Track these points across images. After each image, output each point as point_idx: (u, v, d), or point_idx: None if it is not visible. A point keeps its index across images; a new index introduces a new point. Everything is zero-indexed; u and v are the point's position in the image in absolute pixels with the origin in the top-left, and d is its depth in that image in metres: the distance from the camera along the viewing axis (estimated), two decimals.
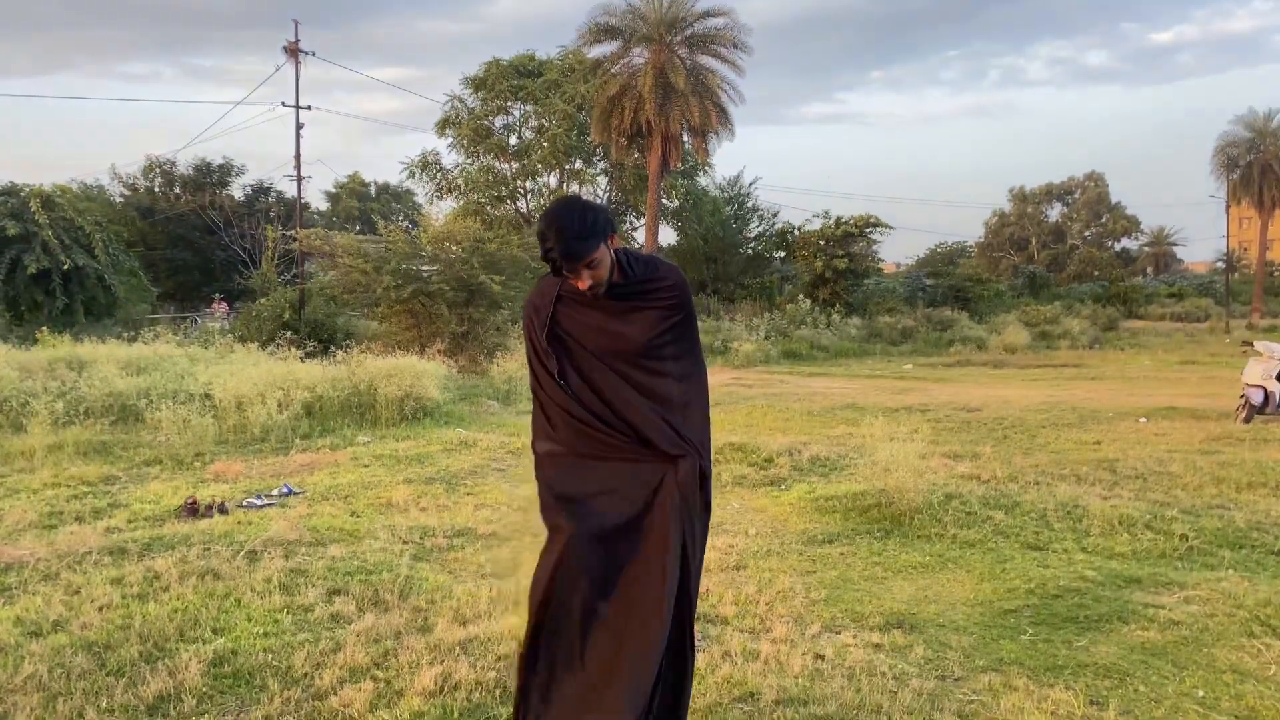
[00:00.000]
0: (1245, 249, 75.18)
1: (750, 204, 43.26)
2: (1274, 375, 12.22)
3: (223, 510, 6.79)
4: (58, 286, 25.29)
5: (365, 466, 8.73)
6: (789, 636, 4.20)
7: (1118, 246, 77.13)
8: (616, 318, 2.80)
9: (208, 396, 10.97)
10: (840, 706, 3.36)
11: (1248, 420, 11.88)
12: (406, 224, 43.09)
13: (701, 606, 4.68)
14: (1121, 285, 48.87)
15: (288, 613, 4.40)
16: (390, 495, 7.35)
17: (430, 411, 11.67)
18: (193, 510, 6.74)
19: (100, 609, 4.42)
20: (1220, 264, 62.84)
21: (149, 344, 15.37)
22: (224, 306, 29.41)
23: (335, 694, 3.47)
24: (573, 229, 2.63)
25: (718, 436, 10.30)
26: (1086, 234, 76.60)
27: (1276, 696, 3.51)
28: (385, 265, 20.32)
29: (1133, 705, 3.44)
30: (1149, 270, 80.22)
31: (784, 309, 30.75)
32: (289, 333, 19.10)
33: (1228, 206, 45.49)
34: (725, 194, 42.84)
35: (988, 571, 5.28)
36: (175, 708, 3.36)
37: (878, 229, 36.09)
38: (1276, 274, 67.70)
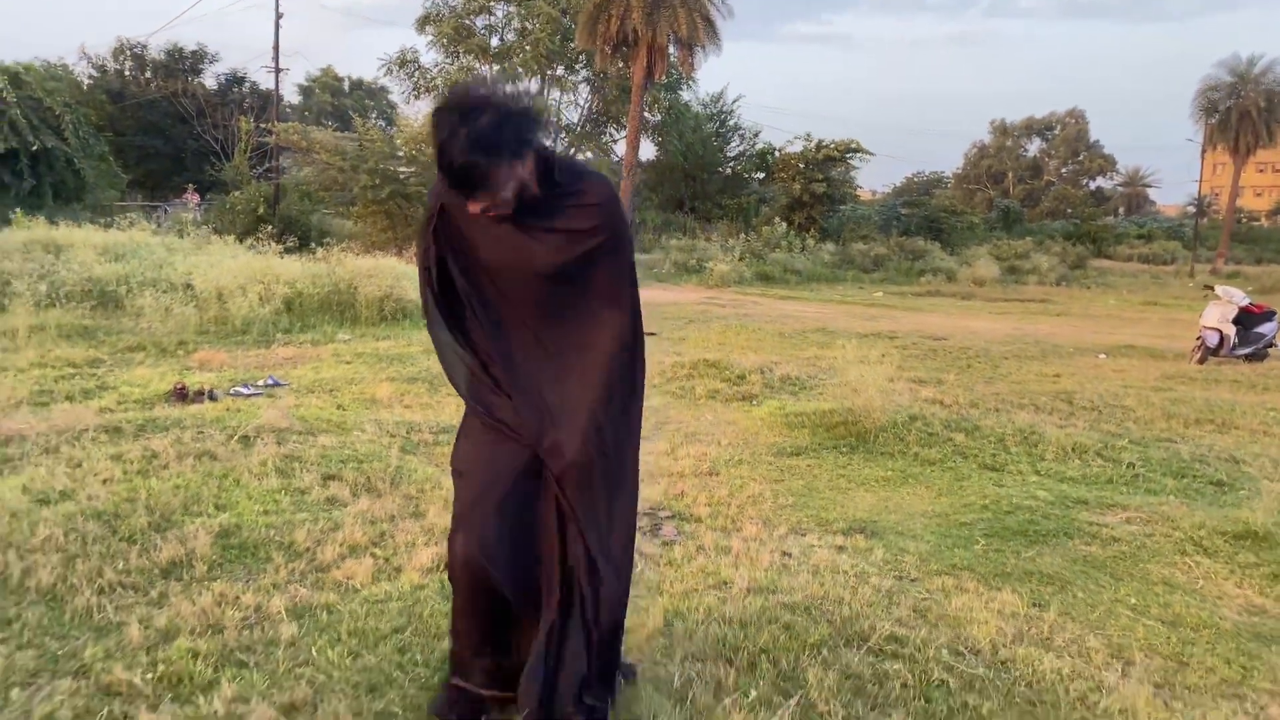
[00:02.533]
0: (1217, 195, 75.77)
1: (732, 122, 42.96)
2: (1230, 319, 12.65)
3: (211, 397, 6.95)
4: (25, 168, 24.80)
5: (347, 363, 8.90)
6: (758, 536, 4.49)
7: (1092, 185, 77.59)
8: (522, 234, 2.24)
9: (188, 286, 11.01)
10: (805, 597, 3.65)
11: (1202, 361, 12.32)
12: (382, 123, 42.29)
13: (676, 506, 4.97)
14: (1092, 224, 49.30)
15: (285, 494, 4.62)
16: (374, 392, 7.54)
17: (410, 313, 11.80)
18: (182, 396, 6.89)
19: (104, 482, 4.62)
20: (1191, 208, 63.47)
21: (124, 230, 15.27)
22: (196, 198, 28.98)
23: (338, 567, 3.72)
24: (483, 141, 2.02)
25: (692, 354, 10.58)
26: (1063, 170, 76.92)
27: (1200, 605, 3.86)
28: (362, 164, 20.15)
29: (1071, 608, 3.77)
30: (1121, 210, 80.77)
31: (760, 231, 30.83)
32: (268, 227, 18.93)
33: (1203, 151, 45.77)
34: (707, 110, 42.44)
35: (946, 487, 5.61)
36: (187, 572, 3.58)
37: (858, 154, 36.09)
38: (1245, 221, 68.56)
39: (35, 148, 24.71)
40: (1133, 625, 3.63)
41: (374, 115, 52.78)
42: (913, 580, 4.01)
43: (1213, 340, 12.52)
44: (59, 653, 2.92)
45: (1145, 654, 3.36)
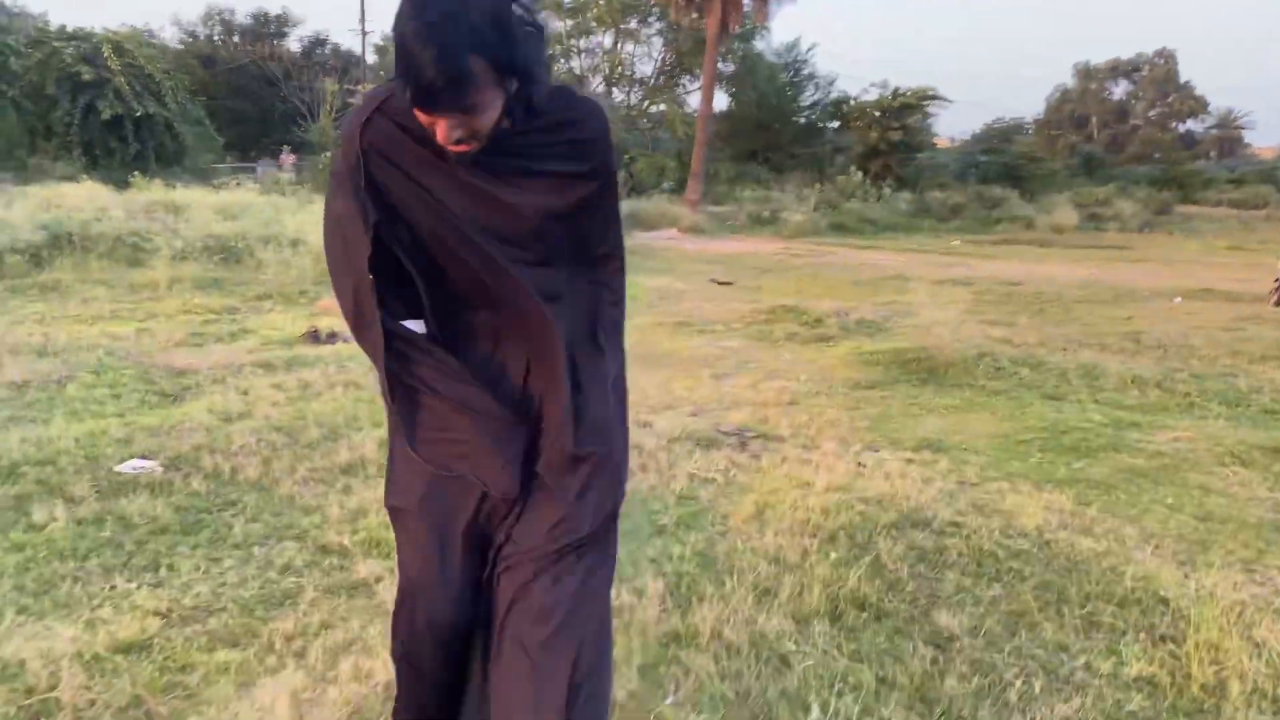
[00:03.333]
0: None
1: (806, 72, 42.71)
2: None
3: (341, 339, 7.77)
4: (130, 133, 26.16)
5: None
6: (836, 451, 5.10)
7: (1182, 129, 75.01)
8: (495, 180, 1.68)
9: (299, 242, 11.90)
10: (878, 494, 4.26)
11: (1279, 303, 12.43)
12: None
13: (761, 429, 5.59)
14: (1180, 169, 47.93)
15: None
16: None
17: None
18: (315, 338, 7.73)
19: (273, 405, 5.42)
20: None
21: (232, 191, 16.30)
22: (292, 158, 30.17)
23: None
24: (472, 35, 1.46)
25: (769, 300, 11.12)
26: (1151, 114, 74.42)
27: (1230, 504, 4.37)
28: None
29: (1112, 507, 4.32)
30: (1212, 154, 78.01)
31: (835, 181, 30.93)
32: None
33: None
34: (781, 60, 42.28)
35: (1008, 414, 6.14)
36: (362, 471, 4.34)
37: (935, 101, 35.78)
38: None
39: (139, 114, 26.03)
40: (1166, 519, 4.17)
41: None
42: (973, 484, 4.59)
43: None
44: (278, 524, 3.69)
45: (1174, 540, 3.91)
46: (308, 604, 3.03)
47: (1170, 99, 74.13)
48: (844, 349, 8.34)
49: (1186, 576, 3.52)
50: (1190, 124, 76.56)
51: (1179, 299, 12.91)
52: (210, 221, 12.71)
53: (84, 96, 25.37)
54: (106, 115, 25.41)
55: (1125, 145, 68.88)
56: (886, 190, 30.93)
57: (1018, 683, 2.70)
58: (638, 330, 9.04)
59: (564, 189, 1.73)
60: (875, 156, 34.44)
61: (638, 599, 3.06)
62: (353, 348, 7.26)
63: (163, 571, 3.23)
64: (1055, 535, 3.83)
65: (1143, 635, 2.99)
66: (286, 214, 14.13)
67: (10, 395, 5.40)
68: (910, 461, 4.97)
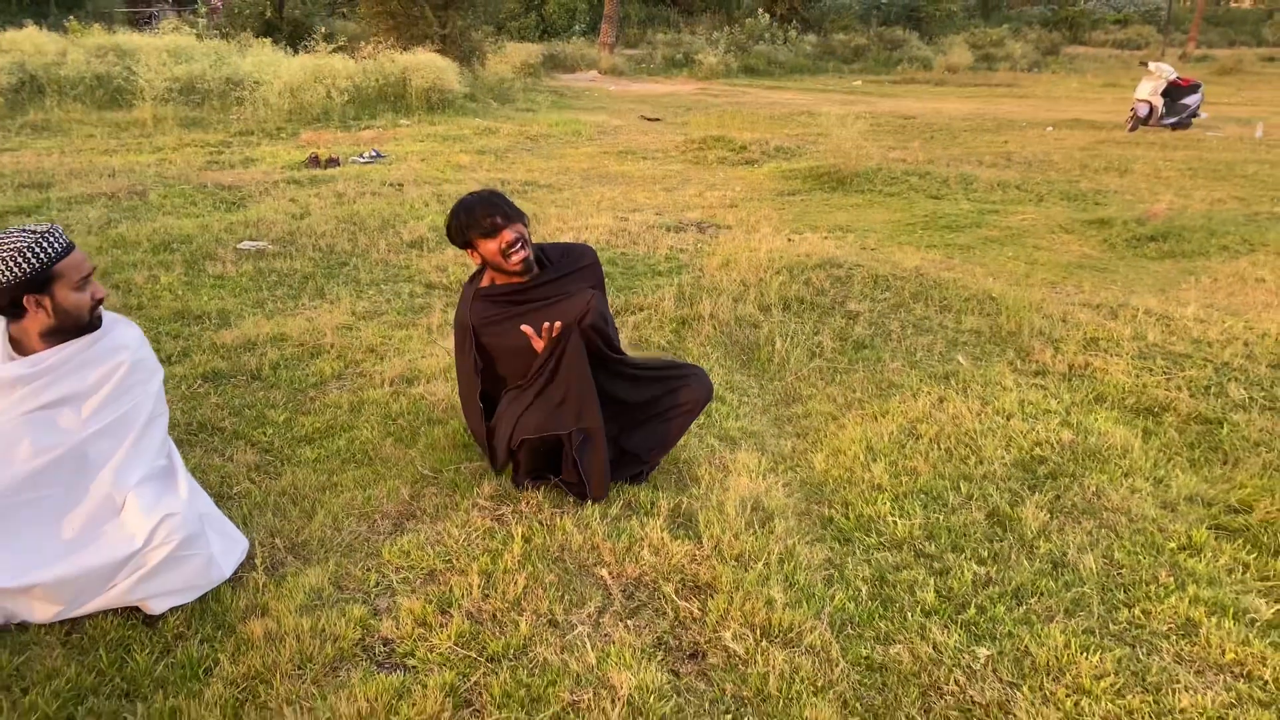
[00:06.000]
0: None
1: None
2: (1159, 92, 14.62)
3: (338, 164, 8.98)
4: None
5: (420, 142, 10.86)
6: (771, 233, 6.71)
7: None
8: (547, 310, 2.83)
9: (260, 83, 12.73)
10: (806, 251, 5.89)
11: (1133, 129, 14.37)
12: None
13: (713, 221, 7.15)
14: (1070, 9, 49.75)
15: (447, 214, 6.77)
16: (456, 160, 9.57)
17: (450, 103, 13.61)
18: (316, 162, 8.92)
19: (324, 207, 6.75)
20: None
21: (169, 35, 16.64)
22: (219, 3, 29.48)
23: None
24: (505, 201, 2.84)
25: (698, 133, 12.56)
26: None
27: (1051, 255, 6.17)
28: None
29: (970, 259, 6.06)
30: None
31: (743, 24, 31.80)
32: (321, 30, 20.00)
33: None
34: None
35: (899, 208, 7.83)
36: (425, 244, 5.78)
37: None
38: (1225, 2, 68.47)
39: None
40: (1005, 263, 5.93)
41: None
42: (872, 249, 6.27)
43: (1143, 111, 14.52)
44: (388, 274, 5.15)
45: (1008, 274, 5.67)
46: (440, 309, 4.55)
47: None
48: (767, 168, 9.89)
49: (1011, 287, 5.28)
50: None
51: (1051, 128, 14.74)
52: (167, 64, 13.35)
53: None
54: None
55: None
56: (792, 33, 31.97)
57: (895, 328, 4.42)
58: (589, 158, 10.43)
59: (585, 295, 2.85)
60: None
61: (659, 300, 4.66)
62: (354, 171, 8.52)
63: (330, 298, 4.70)
64: (927, 271, 5.54)
65: (975, 310, 4.73)
66: (233, 57, 14.74)
67: (113, 203, 6.62)
68: (826, 238, 6.62)
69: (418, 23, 21.35)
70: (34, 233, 2.22)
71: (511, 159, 9.99)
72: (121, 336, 2.35)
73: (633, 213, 7.28)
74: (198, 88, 12.48)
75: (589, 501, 2.80)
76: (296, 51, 16.75)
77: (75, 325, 2.26)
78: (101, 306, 2.33)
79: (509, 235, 2.77)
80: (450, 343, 4.02)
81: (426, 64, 13.54)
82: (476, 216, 2.77)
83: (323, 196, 7.15)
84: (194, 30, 17.45)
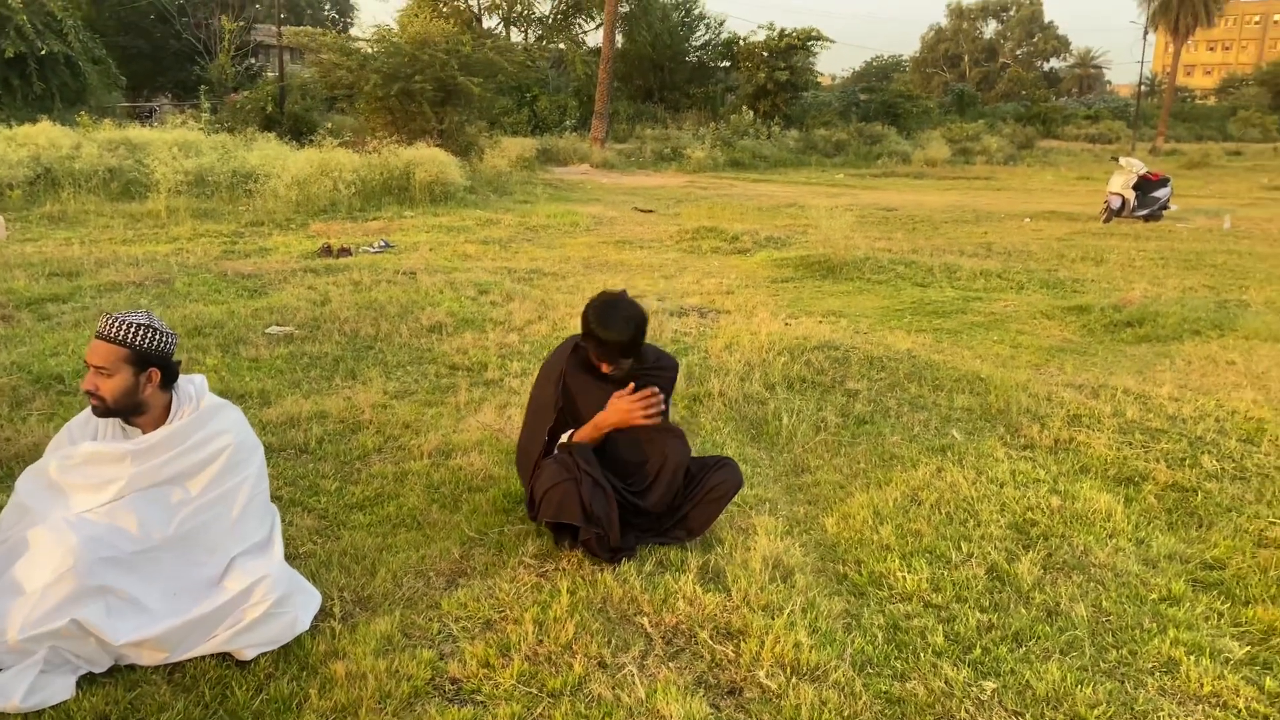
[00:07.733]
0: (1169, 74, 78.15)
1: (696, 11, 44.42)
2: (1131, 185, 15.31)
3: (350, 253, 9.36)
4: (33, 72, 26.15)
5: (426, 233, 11.30)
6: (768, 317, 7.08)
7: (1046, 67, 79.59)
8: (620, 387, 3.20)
9: (269, 176, 13.22)
10: (803, 334, 6.25)
11: (1107, 221, 15.00)
12: (388, 23, 43.02)
13: (712, 307, 7.53)
14: (1043, 105, 51.67)
15: (461, 300, 7.12)
16: (463, 250, 9.98)
17: (451, 195, 14.12)
18: (329, 252, 9.29)
19: (343, 294, 7.08)
20: (1144, 88, 65.85)
21: (177, 129, 17.23)
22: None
23: (528, 327, 6.26)
24: (638, 337, 3.15)
25: (690, 223, 13.08)
26: (1018, 53, 78.71)
27: (1034, 338, 6.54)
28: (371, 64, 21.93)
29: (958, 342, 6.42)
30: (1074, 91, 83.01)
31: (728, 119, 32.94)
32: (326, 125, 20.70)
33: (1145, 32, 48.01)
34: (673, 0, 43.82)
35: (888, 295, 8.24)
36: (444, 329, 6.11)
37: (818, 41, 37.98)
38: (1190, 99, 71.16)
39: (43, 52, 26.02)
40: (992, 347, 6.30)
41: (327, 6, 53.73)
42: (864, 332, 6.64)
43: (1116, 203, 15.19)
44: (413, 356, 5.46)
45: (993, 356, 6.03)
46: (465, 388, 4.85)
47: (1035, 38, 78.50)
48: (760, 257, 10.34)
49: (996, 369, 5.63)
50: (1054, 62, 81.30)
51: (1028, 219, 15.37)
52: (176, 158, 13.84)
53: None
54: (10, 53, 25.35)
55: (995, 83, 72.88)
56: (776, 128, 33.12)
57: (893, 405, 4.74)
58: (588, 247, 10.87)
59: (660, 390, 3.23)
60: (764, 96, 36.57)
61: None
62: (366, 261, 8.89)
63: (363, 379, 5.00)
64: (919, 353, 5.90)
65: (965, 389, 5.07)
66: (240, 150, 15.30)
67: (140, 290, 6.94)
68: (820, 321, 6.99)
69: (415, 118, 22.10)
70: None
71: (515, 248, 10.41)
72: (225, 420, 2.65)
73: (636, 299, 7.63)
74: (208, 180, 12.94)
75: (610, 554, 3.06)
76: (301, 145, 17.35)
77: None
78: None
79: (607, 367, 3.20)
80: (481, 416, 4.33)
81: (429, 158, 14.08)
82: (601, 339, 3.12)
83: (340, 284, 7.49)
84: (199, 125, 18.03)
